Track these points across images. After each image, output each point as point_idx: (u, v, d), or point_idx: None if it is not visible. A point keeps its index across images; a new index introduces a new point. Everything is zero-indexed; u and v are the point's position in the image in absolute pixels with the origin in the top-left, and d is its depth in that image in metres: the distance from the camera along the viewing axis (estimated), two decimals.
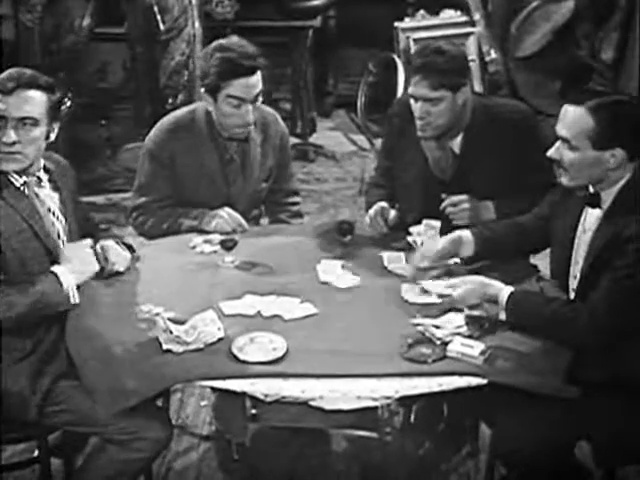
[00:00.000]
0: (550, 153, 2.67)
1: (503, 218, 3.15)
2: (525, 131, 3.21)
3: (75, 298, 2.74)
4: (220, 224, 3.26)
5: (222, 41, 3.25)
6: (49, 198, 2.82)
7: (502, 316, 2.66)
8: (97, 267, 2.83)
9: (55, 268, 2.72)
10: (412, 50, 6.50)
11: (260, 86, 3.21)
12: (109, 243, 2.98)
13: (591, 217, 2.69)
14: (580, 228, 2.72)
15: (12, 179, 2.71)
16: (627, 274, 2.52)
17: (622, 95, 2.76)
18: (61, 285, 2.70)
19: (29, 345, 2.75)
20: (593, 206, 2.67)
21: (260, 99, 3.26)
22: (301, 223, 3.66)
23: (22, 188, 2.74)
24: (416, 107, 3.13)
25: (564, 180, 2.68)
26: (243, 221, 3.29)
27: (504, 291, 2.67)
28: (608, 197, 2.64)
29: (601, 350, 2.60)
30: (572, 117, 2.59)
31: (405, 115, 3.27)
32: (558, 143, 2.65)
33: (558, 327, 2.60)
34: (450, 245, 2.97)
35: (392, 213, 3.23)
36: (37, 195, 2.79)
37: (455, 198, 3.19)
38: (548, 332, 2.62)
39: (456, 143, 3.25)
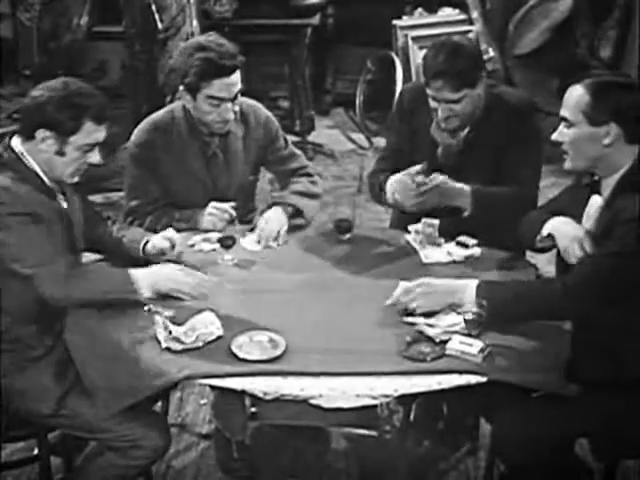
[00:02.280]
0: (554, 137, 2.69)
1: (479, 209, 3.17)
2: (522, 121, 3.22)
3: (145, 292, 2.77)
4: (211, 221, 3.26)
5: (200, 39, 3.24)
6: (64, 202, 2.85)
7: (474, 309, 2.63)
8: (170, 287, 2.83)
9: (131, 270, 2.80)
10: (413, 49, 6.53)
11: (240, 84, 3.20)
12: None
13: (593, 205, 2.70)
14: (585, 218, 2.73)
15: (46, 180, 2.73)
16: (610, 251, 2.54)
17: (619, 75, 2.80)
18: (134, 286, 2.75)
19: (49, 341, 2.77)
20: (593, 191, 2.70)
21: (239, 97, 3.25)
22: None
23: (53, 189, 2.77)
24: (439, 109, 3.16)
25: (566, 164, 2.70)
26: (230, 209, 3.26)
27: (469, 287, 2.66)
28: (607, 185, 2.66)
29: (600, 348, 2.61)
30: (570, 94, 2.64)
31: (416, 100, 3.33)
32: (560, 126, 2.68)
33: (536, 302, 2.61)
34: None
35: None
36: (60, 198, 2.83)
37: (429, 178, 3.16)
38: (527, 311, 2.62)
39: (465, 131, 3.28)
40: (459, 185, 3.17)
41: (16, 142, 2.71)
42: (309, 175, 3.54)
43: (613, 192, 2.64)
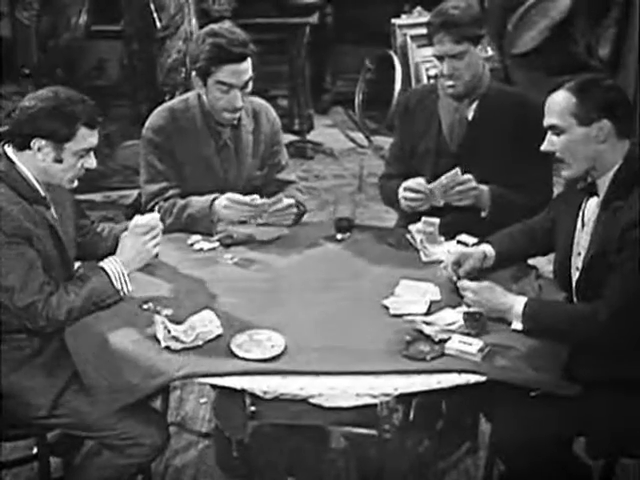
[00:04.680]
0: (544, 147, 2.71)
1: (497, 208, 3.21)
2: (535, 124, 3.23)
3: (127, 287, 2.78)
4: (227, 214, 3.23)
5: (214, 26, 3.26)
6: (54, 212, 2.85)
7: (517, 326, 2.63)
8: (151, 255, 2.87)
9: (103, 262, 2.79)
10: (412, 47, 6.54)
11: (250, 73, 3.22)
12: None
13: (590, 208, 2.70)
14: (579, 221, 2.73)
15: (40, 189, 2.74)
16: (635, 265, 2.51)
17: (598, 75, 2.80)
18: (109, 278, 2.75)
19: (37, 343, 2.77)
20: (591, 194, 2.70)
21: (250, 85, 3.26)
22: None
23: (46, 198, 2.78)
24: (443, 66, 3.23)
25: (564, 173, 2.70)
26: (245, 198, 3.22)
27: (518, 302, 2.65)
28: (603, 185, 2.66)
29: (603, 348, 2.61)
30: (554, 101, 2.66)
31: (423, 102, 3.41)
32: (548, 135, 2.69)
33: (578, 327, 2.58)
34: (478, 263, 2.93)
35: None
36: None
37: (464, 177, 3.20)
38: (568, 335, 2.60)
39: (470, 110, 3.32)
40: (480, 186, 3.22)
41: (9, 151, 2.73)
42: (299, 191, 3.54)
43: (608, 191, 2.64)
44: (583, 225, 2.73)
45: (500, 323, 2.66)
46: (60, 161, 2.71)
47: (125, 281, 2.78)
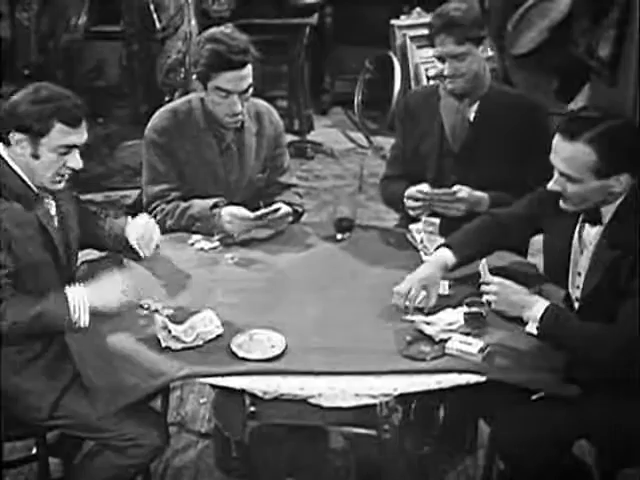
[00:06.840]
0: (550, 186, 2.62)
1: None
2: (537, 125, 3.24)
3: (84, 321, 2.62)
4: (230, 228, 3.23)
5: (215, 30, 3.25)
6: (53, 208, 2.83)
7: (532, 329, 2.61)
8: (118, 303, 2.68)
9: (69, 289, 2.66)
10: (411, 48, 6.55)
11: (250, 79, 3.22)
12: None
13: (590, 232, 2.66)
14: (576, 238, 2.69)
15: (31, 185, 2.72)
16: None
17: (615, 119, 2.58)
18: (67, 307, 2.62)
19: (38, 346, 2.76)
20: (594, 223, 2.64)
21: (251, 91, 3.26)
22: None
23: (40, 195, 2.76)
24: (444, 67, 3.24)
25: (564, 205, 2.63)
26: (247, 213, 3.22)
27: (540, 303, 2.61)
28: (607, 212, 2.61)
29: None
30: (570, 152, 2.52)
31: (423, 103, 3.43)
32: (556, 176, 2.59)
33: (592, 349, 2.54)
34: (437, 271, 2.82)
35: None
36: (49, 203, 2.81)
37: (456, 190, 3.20)
38: (580, 352, 2.57)
39: (472, 111, 3.33)
40: (479, 193, 3.22)
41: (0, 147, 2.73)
42: (298, 194, 3.54)
43: (613, 218, 2.60)
44: (581, 244, 2.69)
45: (501, 322, 2.67)
46: (37, 157, 2.67)
47: (84, 313, 2.62)
